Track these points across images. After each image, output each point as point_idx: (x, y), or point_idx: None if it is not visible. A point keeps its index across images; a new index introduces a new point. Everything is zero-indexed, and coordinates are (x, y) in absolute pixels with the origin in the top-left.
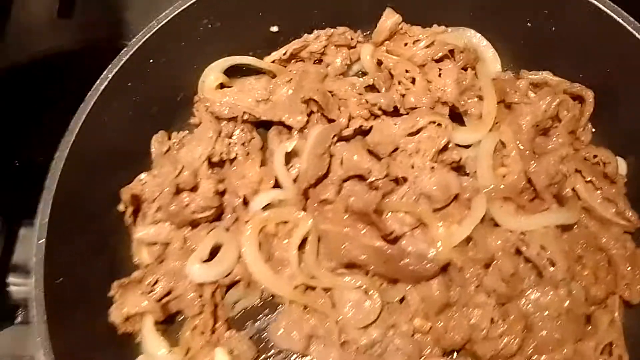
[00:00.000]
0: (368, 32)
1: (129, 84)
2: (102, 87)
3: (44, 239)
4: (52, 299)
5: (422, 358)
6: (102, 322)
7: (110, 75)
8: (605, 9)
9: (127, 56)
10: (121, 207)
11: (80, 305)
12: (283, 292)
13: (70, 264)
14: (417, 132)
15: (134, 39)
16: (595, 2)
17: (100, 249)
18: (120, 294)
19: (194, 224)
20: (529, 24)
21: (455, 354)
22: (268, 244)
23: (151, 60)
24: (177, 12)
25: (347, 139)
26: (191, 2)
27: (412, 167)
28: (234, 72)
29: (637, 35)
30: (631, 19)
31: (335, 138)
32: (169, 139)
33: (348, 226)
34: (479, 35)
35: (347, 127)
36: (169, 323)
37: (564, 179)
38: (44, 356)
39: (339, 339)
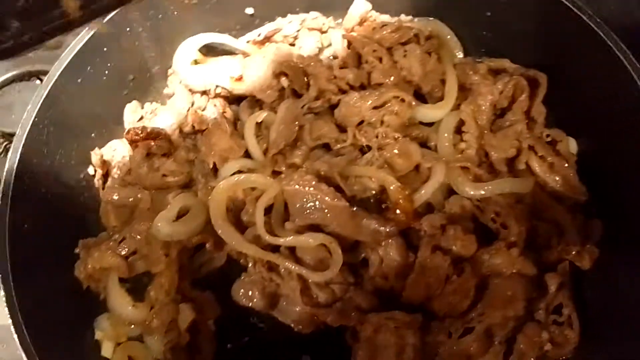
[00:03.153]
0: (340, 20)
1: (105, 48)
2: (78, 48)
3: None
4: (16, 254)
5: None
6: (67, 279)
7: (87, 37)
8: None
9: (105, 20)
10: (90, 170)
11: (45, 261)
12: (247, 250)
13: (35, 217)
14: (382, 105)
15: None
16: None
17: (66, 208)
18: (85, 252)
19: (164, 188)
20: (488, 14)
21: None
22: (236, 210)
23: (128, 29)
24: None
25: (316, 112)
26: None
27: (377, 136)
28: (208, 52)
29: (584, 18)
30: (578, 3)
31: (305, 109)
32: (142, 108)
33: (313, 187)
34: (442, 24)
35: (317, 100)
36: (135, 283)
37: (519, 153)
38: (7, 310)
39: (301, 297)
